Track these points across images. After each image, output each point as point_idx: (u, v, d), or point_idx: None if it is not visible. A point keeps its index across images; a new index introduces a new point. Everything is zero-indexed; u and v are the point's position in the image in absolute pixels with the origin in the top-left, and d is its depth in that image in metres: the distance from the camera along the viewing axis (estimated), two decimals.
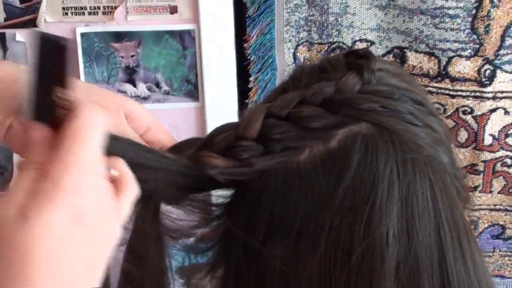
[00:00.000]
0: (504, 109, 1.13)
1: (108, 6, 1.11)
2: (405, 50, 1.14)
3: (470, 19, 1.10)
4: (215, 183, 0.43)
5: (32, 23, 1.11)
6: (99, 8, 1.11)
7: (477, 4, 1.09)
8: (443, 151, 0.45)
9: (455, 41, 1.11)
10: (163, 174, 0.42)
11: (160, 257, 0.44)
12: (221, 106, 1.12)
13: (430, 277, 0.39)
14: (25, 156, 0.35)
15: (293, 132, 0.42)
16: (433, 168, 0.42)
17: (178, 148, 0.45)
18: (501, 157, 1.15)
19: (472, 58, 1.11)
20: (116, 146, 0.37)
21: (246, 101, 1.15)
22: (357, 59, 0.46)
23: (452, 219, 0.41)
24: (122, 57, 1.12)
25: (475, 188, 1.17)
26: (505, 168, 1.15)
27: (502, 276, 1.22)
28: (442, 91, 1.14)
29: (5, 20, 1.11)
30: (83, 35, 1.11)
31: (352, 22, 1.13)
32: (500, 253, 1.20)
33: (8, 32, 1.12)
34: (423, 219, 0.40)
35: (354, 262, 0.38)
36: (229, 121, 0.45)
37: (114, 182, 0.36)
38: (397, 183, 0.40)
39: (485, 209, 1.18)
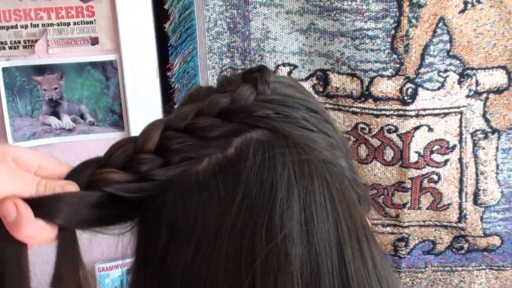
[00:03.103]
0: (428, 126, 1.15)
1: (28, 40, 1.11)
2: (327, 72, 1.15)
3: (389, 39, 1.12)
4: (119, 203, 0.43)
5: None
6: (19, 42, 1.10)
7: (395, 24, 1.11)
8: (339, 155, 0.46)
9: (376, 62, 1.13)
10: (68, 211, 0.42)
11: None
12: None
13: (331, 275, 0.39)
14: None
15: (191, 142, 0.43)
16: (329, 170, 0.43)
17: (77, 170, 0.45)
18: (427, 173, 1.16)
19: (394, 78, 1.13)
20: None
21: None
22: (251, 74, 0.47)
23: (350, 219, 0.41)
24: (45, 90, 1.12)
25: (404, 205, 1.18)
26: (432, 184, 1.17)
27: None
28: (366, 111, 1.15)
29: None
30: (4, 69, 1.11)
31: (274, 47, 1.15)
32: (432, 268, 1.22)
33: None
34: (322, 219, 0.40)
35: (258, 266, 0.38)
36: None
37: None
38: (295, 185, 0.40)
39: (415, 226, 1.20)
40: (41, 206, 0.41)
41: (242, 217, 0.40)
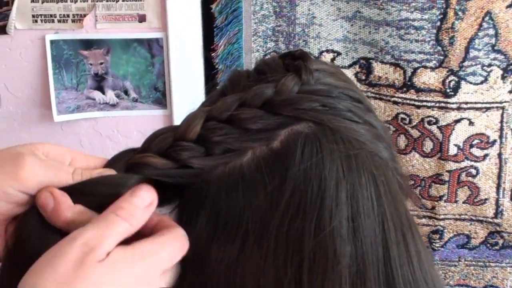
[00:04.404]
0: (469, 119, 1.14)
1: (77, 14, 1.12)
2: (371, 61, 1.15)
3: (434, 31, 1.12)
4: (158, 191, 0.41)
5: (2, 30, 1.12)
6: (68, 16, 1.12)
7: (441, 16, 1.11)
8: (383, 146, 0.45)
9: (420, 52, 1.13)
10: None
11: None
12: None
13: (376, 272, 0.38)
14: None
15: (235, 134, 0.42)
16: (375, 163, 0.42)
17: (115, 159, 0.43)
18: (465, 167, 1.16)
19: (437, 69, 1.13)
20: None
21: None
22: (293, 61, 0.46)
23: (395, 214, 0.41)
24: (91, 64, 1.14)
25: (441, 197, 1.18)
26: (470, 178, 1.16)
27: (468, 286, 1.22)
28: (408, 101, 1.15)
29: None
30: (52, 42, 1.12)
31: (319, 32, 1.15)
32: (466, 262, 1.21)
33: None
34: (368, 214, 0.40)
35: (305, 263, 0.38)
36: None
37: None
38: (343, 180, 0.40)
39: (450, 219, 1.19)
40: (78, 191, 0.40)
41: (290, 214, 0.39)
